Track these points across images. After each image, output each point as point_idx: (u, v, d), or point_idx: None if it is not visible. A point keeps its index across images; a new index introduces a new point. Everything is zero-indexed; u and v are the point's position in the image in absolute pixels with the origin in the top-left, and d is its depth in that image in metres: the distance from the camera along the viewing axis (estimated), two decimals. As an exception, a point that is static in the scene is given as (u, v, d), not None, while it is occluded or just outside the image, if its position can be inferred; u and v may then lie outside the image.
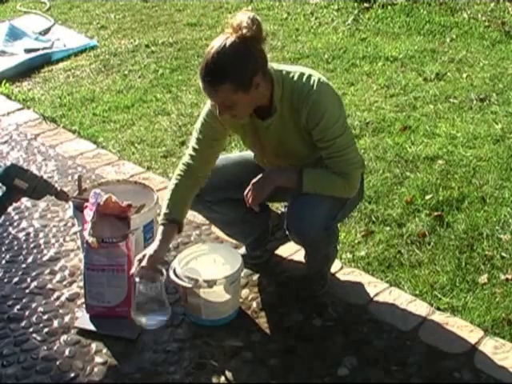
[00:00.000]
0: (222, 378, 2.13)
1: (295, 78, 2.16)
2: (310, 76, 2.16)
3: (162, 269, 2.22)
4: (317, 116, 2.13)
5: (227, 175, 2.45)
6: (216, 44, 2.03)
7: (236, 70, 2.02)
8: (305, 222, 2.19)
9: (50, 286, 2.60)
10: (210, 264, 2.41)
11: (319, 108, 2.12)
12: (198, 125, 2.32)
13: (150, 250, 2.20)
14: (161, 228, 2.25)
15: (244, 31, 2.00)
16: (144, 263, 2.17)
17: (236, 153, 2.55)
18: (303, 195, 2.22)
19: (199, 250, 2.48)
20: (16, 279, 2.64)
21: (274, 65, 2.20)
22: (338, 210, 2.32)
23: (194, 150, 2.32)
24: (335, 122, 2.15)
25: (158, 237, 2.24)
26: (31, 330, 2.36)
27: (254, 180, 2.24)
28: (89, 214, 2.33)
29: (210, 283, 2.26)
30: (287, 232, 2.30)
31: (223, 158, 2.55)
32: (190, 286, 2.27)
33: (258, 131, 2.27)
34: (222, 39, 2.03)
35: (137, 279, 2.19)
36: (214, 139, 2.32)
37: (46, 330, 2.36)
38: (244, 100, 2.08)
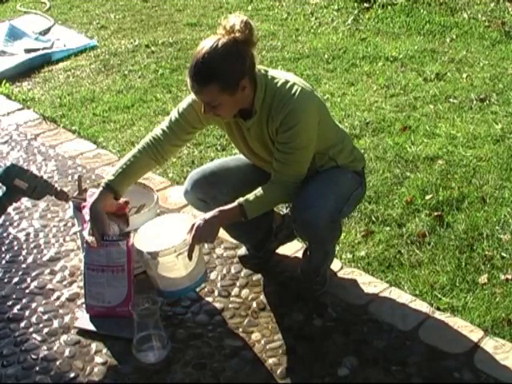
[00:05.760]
0: (222, 378, 2.13)
1: (279, 84, 2.17)
2: (293, 84, 2.17)
3: (156, 298, 2.21)
4: (290, 124, 2.14)
5: (240, 174, 2.47)
6: (207, 44, 2.05)
7: (224, 71, 2.05)
8: (312, 212, 2.19)
9: (50, 286, 2.60)
10: (173, 233, 2.35)
11: (295, 117, 2.13)
12: (183, 104, 2.32)
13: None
14: (99, 190, 2.28)
15: (237, 34, 2.03)
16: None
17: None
18: (309, 188, 2.24)
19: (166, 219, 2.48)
20: (16, 279, 2.64)
21: (262, 68, 2.22)
22: (344, 203, 2.33)
23: (170, 129, 2.33)
24: (304, 135, 2.18)
25: (94, 196, 2.27)
26: (31, 330, 2.36)
27: (197, 224, 2.19)
28: (87, 212, 2.32)
29: (153, 255, 2.23)
30: (293, 224, 2.30)
31: (235, 158, 2.57)
32: (136, 257, 2.30)
33: (242, 130, 2.29)
34: (214, 40, 2.05)
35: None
36: (193, 127, 2.34)
37: (46, 330, 2.36)
38: (229, 101, 2.11)
